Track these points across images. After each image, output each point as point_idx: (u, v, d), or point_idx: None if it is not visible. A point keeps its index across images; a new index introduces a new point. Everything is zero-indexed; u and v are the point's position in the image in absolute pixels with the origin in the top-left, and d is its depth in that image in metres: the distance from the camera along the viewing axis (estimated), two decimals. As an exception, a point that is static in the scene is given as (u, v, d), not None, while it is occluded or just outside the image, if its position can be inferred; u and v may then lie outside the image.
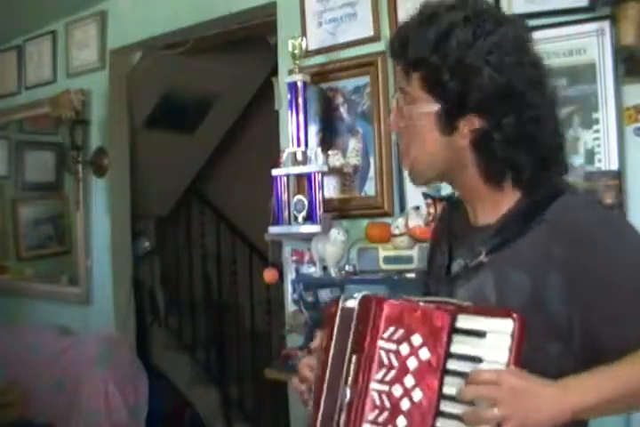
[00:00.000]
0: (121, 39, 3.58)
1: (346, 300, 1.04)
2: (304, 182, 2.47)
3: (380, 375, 0.94)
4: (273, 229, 2.54)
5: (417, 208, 2.26)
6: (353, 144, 2.54)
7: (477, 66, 1.02)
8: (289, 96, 2.51)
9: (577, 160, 2.00)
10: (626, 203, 1.92)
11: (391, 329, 0.94)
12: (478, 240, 1.11)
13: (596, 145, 1.98)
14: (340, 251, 2.35)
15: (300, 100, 2.48)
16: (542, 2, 2.08)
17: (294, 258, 2.64)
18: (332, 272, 2.37)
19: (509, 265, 1.04)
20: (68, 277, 3.91)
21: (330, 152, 2.50)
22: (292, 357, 2.59)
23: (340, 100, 2.58)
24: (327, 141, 2.57)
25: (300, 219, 2.45)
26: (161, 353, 4.43)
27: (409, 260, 2.19)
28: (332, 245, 2.34)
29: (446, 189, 1.99)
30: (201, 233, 4.82)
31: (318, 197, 2.41)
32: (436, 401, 0.92)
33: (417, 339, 0.94)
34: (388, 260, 2.26)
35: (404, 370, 0.93)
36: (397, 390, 0.93)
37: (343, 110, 2.57)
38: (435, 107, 1.07)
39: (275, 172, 2.52)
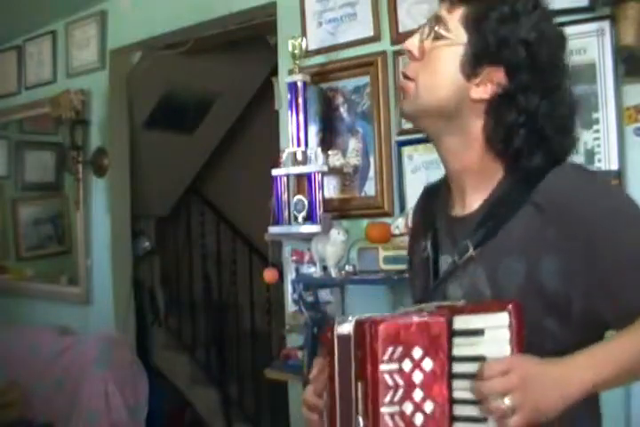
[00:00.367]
0: (121, 39, 3.58)
1: (340, 324, 1.03)
2: (304, 182, 2.47)
3: (388, 398, 0.93)
4: (273, 229, 2.54)
5: (417, 208, 2.26)
6: (353, 144, 2.54)
7: (526, 25, 1.02)
8: (289, 96, 2.51)
9: (577, 160, 1.99)
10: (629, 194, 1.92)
11: (390, 350, 0.93)
12: (464, 231, 1.08)
13: (596, 145, 1.98)
14: (340, 251, 2.35)
15: (300, 100, 2.48)
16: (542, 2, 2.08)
17: (294, 258, 2.64)
18: (332, 272, 2.37)
19: (500, 253, 1.02)
20: (68, 277, 3.91)
21: (330, 152, 2.50)
22: (292, 357, 2.59)
23: (339, 100, 2.58)
24: (327, 141, 2.57)
25: (299, 219, 2.45)
26: (161, 353, 4.43)
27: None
28: (332, 245, 2.34)
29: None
30: (201, 233, 4.82)
31: (318, 197, 2.41)
32: (449, 408, 0.92)
33: (417, 352, 0.93)
34: (388, 260, 2.25)
35: (410, 386, 0.93)
36: (408, 408, 0.93)
37: (343, 110, 2.57)
38: (467, 42, 1.04)
39: (275, 172, 2.52)
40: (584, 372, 0.90)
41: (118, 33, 3.58)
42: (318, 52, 2.64)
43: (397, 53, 2.41)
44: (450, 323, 0.94)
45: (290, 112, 2.51)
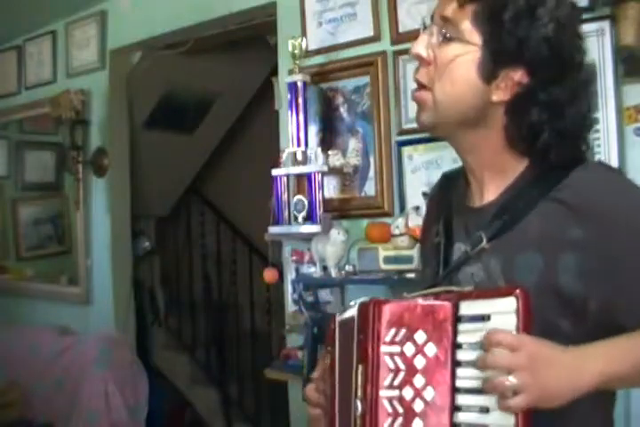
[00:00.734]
0: (121, 39, 3.58)
1: (344, 312, 1.02)
2: (304, 182, 2.47)
3: (387, 381, 0.90)
4: (273, 229, 2.54)
5: (417, 208, 2.26)
6: (353, 144, 2.54)
7: (544, 17, 0.96)
8: (289, 96, 2.51)
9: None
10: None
11: (392, 331, 0.91)
12: (479, 221, 1.05)
13: (596, 145, 1.98)
14: (340, 251, 2.35)
15: (300, 100, 2.48)
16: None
17: (294, 258, 2.64)
18: (332, 272, 2.37)
19: (515, 248, 0.99)
20: (68, 277, 3.91)
21: (330, 152, 2.50)
22: (292, 357, 2.59)
23: (339, 100, 2.58)
24: (327, 141, 2.56)
25: (299, 219, 2.45)
26: (161, 353, 4.43)
27: (409, 260, 2.19)
28: (332, 245, 2.34)
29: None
30: (201, 233, 4.82)
31: (318, 197, 2.41)
32: (451, 396, 0.89)
33: (420, 336, 0.91)
34: (388, 260, 2.26)
35: (412, 371, 0.90)
36: (408, 393, 0.90)
37: (343, 110, 2.57)
38: (482, 44, 0.98)
39: (275, 172, 2.52)
40: (596, 363, 0.87)
41: (118, 33, 3.58)
42: (318, 52, 2.64)
43: (397, 53, 2.41)
44: (456, 308, 0.90)
45: (290, 112, 2.51)
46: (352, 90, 2.55)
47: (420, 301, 0.93)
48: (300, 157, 2.48)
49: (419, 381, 0.90)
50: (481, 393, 0.87)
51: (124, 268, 3.74)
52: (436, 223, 1.17)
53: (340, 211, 2.55)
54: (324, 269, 2.42)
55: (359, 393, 0.93)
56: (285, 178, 2.52)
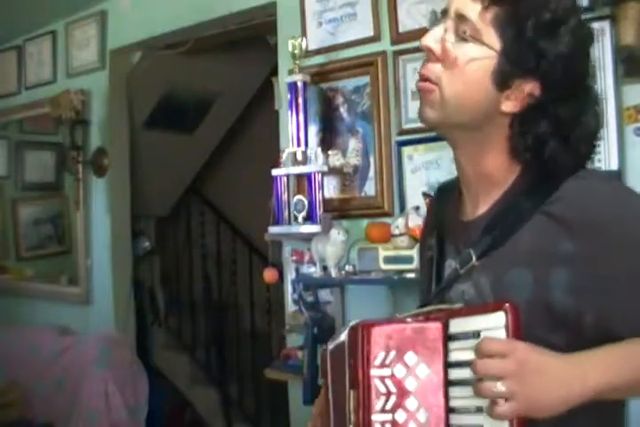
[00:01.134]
0: (121, 39, 3.58)
1: (335, 339, 1.01)
2: (304, 182, 2.47)
3: (379, 405, 0.89)
4: (273, 229, 2.54)
5: (417, 208, 2.26)
6: (353, 144, 2.54)
7: (565, 35, 0.95)
8: (289, 96, 2.51)
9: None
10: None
11: (382, 354, 0.90)
12: (468, 237, 1.04)
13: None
14: (340, 251, 2.35)
15: (300, 100, 2.48)
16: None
17: (294, 258, 2.64)
18: (332, 272, 2.37)
19: (505, 264, 0.97)
20: (68, 277, 3.91)
21: (330, 152, 2.50)
22: (292, 357, 2.59)
23: (339, 100, 2.58)
24: (327, 141, 2.56)
25: (300, 219, 2.45)
26: (161, 353, 4.43)
27: (409, 260, 2.19)
28: (332, 245, 2.34)
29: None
30: (201, 233, 4.82)
31: (318, 197, 2.41)
32: (445, 417, 0.88)
33: (411, 357, 0.89)
34: (387, 260, 2.25)
35: (404, 393, 0.89)
36: (401, 416, 0.89)
37: (343, 110, 2.57)
38: (500, 50, 0.96)
39: (275, 172, 2.52)
40: (589, 373, 0.85)
41: (118, 33, 3.58)
42: (318, 52, 2.64)
43: (397, 53, 2.41)
44: (446, 326, 0.90)
45: (290, 112, 2.51)
46: (352, 90, 2.55)
47: (410, 322, 0.92)
48: (299, 157, 2.48)
49: (411, 403, 0.89)
50: (476, 413, 0.86)
51: (124, 268, 3.74)
52: (431, 237, 1.17)
53: (340, 211, 2.55)
54: (324, 269, 2.42)
55: (352, 419, 0.93)
56: (285, 178, 2.52)
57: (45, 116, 3.86)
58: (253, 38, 3.56)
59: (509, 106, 0.98)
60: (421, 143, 2.34)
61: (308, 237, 2.47)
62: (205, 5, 3.11)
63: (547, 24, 0.95)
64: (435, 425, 0.88)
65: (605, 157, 1.96)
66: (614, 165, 1.95)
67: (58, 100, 3.68)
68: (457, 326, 0.89)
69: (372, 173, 2.49)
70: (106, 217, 3.68)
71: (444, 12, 1.02)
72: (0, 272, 4.29)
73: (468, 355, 0.86)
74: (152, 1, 3.40)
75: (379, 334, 0.91)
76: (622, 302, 0.92)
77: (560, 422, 0.86)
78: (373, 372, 0.90)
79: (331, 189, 2.58)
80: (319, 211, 2.41)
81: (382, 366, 0.90)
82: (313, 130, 2.53)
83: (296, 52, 2.51)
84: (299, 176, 2.51)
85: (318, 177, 2.42)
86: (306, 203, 2.43)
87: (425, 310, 0.97)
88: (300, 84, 2.49)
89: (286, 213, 2.50)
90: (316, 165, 2.43)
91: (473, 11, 0.97)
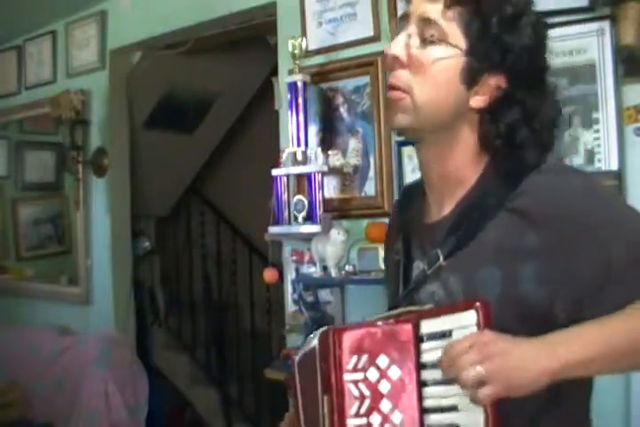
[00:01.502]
0: (121, 39, 3.58)
1: (303, 347, 1.02)
2: (304, 182, 2.47)
3: (354, 410, 0.90)
4: (273, 229, 2.54)
5: (417, 208, 2.26)
6: (353, 144, 2.54)
7: (526, 27, 0.98)
8: (289, 96, 2.51)
9: (577, 160, 2.00)
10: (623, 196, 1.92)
11: (354, 358, 0.90)
12: (434, 238, 1.04)
13: (596, 145, 1.98)
14: (340, 251, 2.35)
15: (300, 100, 2.48)
16: (542, 2, 2.07)
17: (294, 258, 2.64)
18: (332, 272, 2.37)
19: (474, 263, 0.98)
20: (68, 277, 3.91)
21: (330, 152, 2.50)
22: (292, 357, 2.59)
23: (339, 100, 2.58)
24: (327, 141, 2.57)
25: (299, 219, 2.45)
26: (161, 353, 4.44)
27: (409, 260, 2.19)
28: (332, 245, 2.34)
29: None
30: (201, 233, 4.82)
31: (318, 197, 2.41)
32: (419, 418, 0.88)
33: (383, 360, 0.90)
34: (388, 260, 2.25)
35: (377, 396, 0.89)
36: (376, 420, 0.89)
37: (343, 110, 2.57)
38: (467, 49, 0.97)
39: (275, 172, 2.52)
40: (558, 345, 0.85)
41: (118, 33, 3.58)
42: (318, 52, 2.64)
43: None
44: (417, 328, 0.90)
45: (290, 112, 2.51)
46: (352, 90, 2.55)
47: (381, 325, 0.93)
48: (300, 157, 2.48)
49: (385, 406, 0.89)
50: (450, 411, 0.86)
51: (124, 268, 3.74)
52: (396, 241, 1.17)
53: (339, 211, 2.55)
54: (324, 269, 2.42)
55: (326, 424, 0.93)
56: (285, 178, 2.52)
57: (45, 116, 3.87)
58: (253, 38, 3.56)
59: (478, 101, 1.00)
60: (421, 143, 2.33)
61: (308, 237, 2.47)
62: (205, 5, 3.11)
63: (509, 18, 0.97)
64: (410, 426, 0.89)
65: (605, 157, 1.96)
66: (614, 165, 1.95)
67: (58, 100, 3.68)
68: (428, 326, 0.90)
69: (371, 173, 2.49)
70: (106, 217, 3.68)
71: (404, 18, 1.03)
72: (0, 272, 4.29)
73: (440, 354, 0.87)
74: (152, 1, 3.40)
75: (350, 339, 0.91)
76: (592, 292, 0.92)
77: (533, 415, 0.89)
78: (346, 376, 0.91)
79: (331, 189, 2.58)
80: (319, 211, 2.41)
81: (355, 370, 0.91)
82: (313, 130, 2.53)
83: (296, 52, 2.51)
84: (299, 176, 2.51)
85: (318, 177, 2.42)
86: (306, 203, 2.43)
87: (394, 312, 0.97)
88: (299, 84, 2.49)
89: (286, 213, 2.50)
90: (315, 165, 2.43)
91: (436, 12, 0.98)
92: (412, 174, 2.40)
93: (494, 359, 0.82)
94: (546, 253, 0.93)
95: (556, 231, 0.93)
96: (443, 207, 1.07)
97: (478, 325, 0.84)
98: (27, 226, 4.23)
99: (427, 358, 0.89)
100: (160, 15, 3.33)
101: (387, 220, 2.37)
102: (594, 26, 1.98)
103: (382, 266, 2.26)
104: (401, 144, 2.42)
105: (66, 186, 3.95)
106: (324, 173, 2.45)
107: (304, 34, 2.65)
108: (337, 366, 0.91)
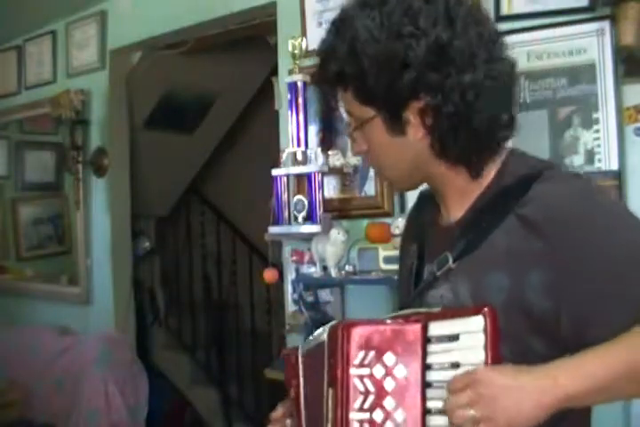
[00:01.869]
0: (121, 39, 3.58)
1: (309, 342, 1.03)
2: (304, 182, 2.47)
3: (358, 404, 0.91)
4: (273, 229, 2.54)
5: (417, 208, 2.26)
6: (353, 144, 2.54)
7: (391, 51, 0.97)
8: (289, 96, 2.51)
9: (577, 160, 2.00)
10: (625, 203, 1.92)
11: (362, 354, 0.91)
12: (445, 241, 1.06)
13: (596, 145, 1.98)
14: (340, 251, 2.35)
15: (300, 100, 2.48)
16: (542, 2, 2.08)
17: (294, 258, 2.64)
18: (332, 272, 2.37)
19: (482, 267, 0.99)
20: (68, 278, 3.91)
21: (330, 152, 2.49)
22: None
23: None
24: (327, 141, 2.57)
25: (300, 219, 2.45)
26: (161, 353, 4.43)
27: (409, 260, 2.19)
28: (332, 245, 2.34)
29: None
30: (201, 233, 4.82)
31: (318, 197, 2.41)
32: (422, 418, 0.89)
33: (390, 358, 0.91)
34: (387, 260, 2.25)
35: (382, 393, 0.90)
36: (379, 416, 0.90)
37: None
38: (375, 113, 1.03)
39: (275, 172, 2.52)
40: (560, 378, 0.85)
41: (118, 33, 3.58)
42: (318, 52, 2.63)
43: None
44: (425, 329, 0.91)
45: (290, 112, 2.51)
46: (352, 90, 2.54)
47: (390, 323, 0.94)
48: (300, 157, 2.48)
49: (389, 403, 0.90)
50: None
51: (123, 268, 3.74)
52: (412, 243, 1.19)
53: (339, 211, 2.55)
54: (324, 269, 2.42)
55: (330, 416, 0.94)
56: (285, 178, 2.52)
57: (45, 116, 3.86)
58: (253, 38, 3.56)
59: (415, 133, 1.02)
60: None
61: (308, 237, 2.47)
62: (205, 5, 3.11)
63: (377, 63, 0.98)
64: (411, 425, 0.89)
65: (605, 157, 1.96)
66: (614, 165, 1.95)
67: (58, 100, 3.68)
68: (436, 328, 0.91)
69: (372, 172, 2.48)
70: (106, 217, 3.68)
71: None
72: (0, 272, 4.29)
73: (447, 357, 0.88)
74: (152, 1, 3.40)
75: (359, 334, 0.93)
76: (596, 300, 0.92)
77: None
78: (353, 371, 0.92)
79: (331, 189, 2.58)
80: (319, 211, 2.41)
81: (361, 365, 0.92)
82: (313, 130, 2.53)
83: (296, 52, 2.51)
84: (299, 176, 2.50)
85: (318, 177, 2.42)
86: (306, 203, 2.43)
87: (404, 312, 0.99)
88: (300, 84, 2.48)
89: (286, 213, 2.50)
90: (315, 165, 2.43)
91: (345, 102, 1.08)
92: (411, 174, 2.40)
93: (487, 403, 0.84)
94: (550, 261, 0.94)
95: (560, 240, 0.94)
96: (456, 211, 1.09)
97: (485, 331, 0.85)
98: (27, 226, 4.23)
99: (433, 359, 0.90)
100: (160, 15, 3.33)
101: (387, 220, 2.39)
102: (594, 26, 1.98)
103: (382, 266, 2.27)
104: (401, 144, 2.42)
105: (66, 186, 3.95)
106: (324, 173, 2.45)
107: (304, 34, 2.65)
108: (344, 360, 0.92)
